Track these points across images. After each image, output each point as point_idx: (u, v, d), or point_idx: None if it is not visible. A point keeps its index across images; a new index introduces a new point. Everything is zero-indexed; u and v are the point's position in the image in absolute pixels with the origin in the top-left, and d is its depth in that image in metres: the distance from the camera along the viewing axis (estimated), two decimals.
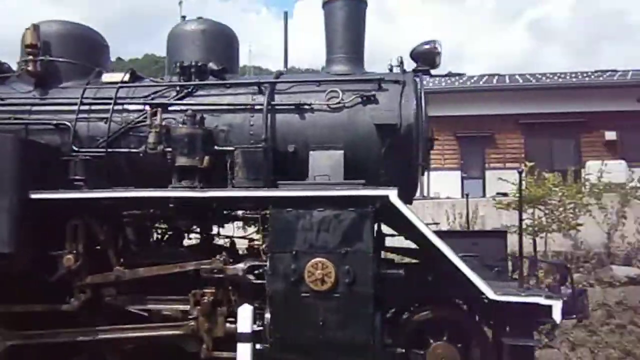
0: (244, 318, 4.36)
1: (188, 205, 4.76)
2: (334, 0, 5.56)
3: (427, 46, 5.44)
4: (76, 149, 5.11)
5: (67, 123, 5.20)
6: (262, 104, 5.05)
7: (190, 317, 4.74)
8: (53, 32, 5.61)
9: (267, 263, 4.42)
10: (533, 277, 5.10)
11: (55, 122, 5.22)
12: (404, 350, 4.57)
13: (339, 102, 5.06)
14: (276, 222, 4.40)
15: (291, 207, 4.39)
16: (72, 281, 4.78)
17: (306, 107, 5.08)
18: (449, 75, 6.16)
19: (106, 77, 5.54)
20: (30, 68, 5.37)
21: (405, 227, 4.46)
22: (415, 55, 5.47)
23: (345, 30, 5.53)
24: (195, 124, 4.89)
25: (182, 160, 4.72)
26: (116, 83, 5.41)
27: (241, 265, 4.59)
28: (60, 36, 5.62)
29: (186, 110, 5.06)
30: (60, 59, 5.53)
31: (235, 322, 4.56)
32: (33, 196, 4.59)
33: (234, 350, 4.44)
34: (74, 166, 4.88)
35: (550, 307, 4.10)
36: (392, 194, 4.30)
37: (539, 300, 4.12)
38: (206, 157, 4.78)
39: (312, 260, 4.29)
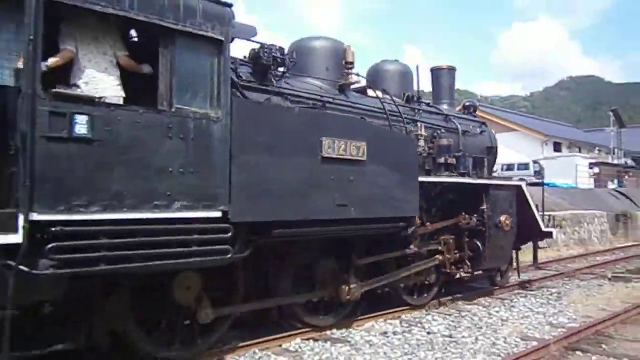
0: None
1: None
2: (440, 69, 9.64)
3: (472, 103, 10.18)
4: None
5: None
6: (456, 128, 8.79)
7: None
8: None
9: (487, 219, 8.45)
10: None
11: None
12: None
13: (476, 132, 9.32)
14: (493, 197, 8.50)
15: (497, 190, 8.59)
16: (415, 233, 7.37)
17: (465, 132, 9.09)
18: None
19: (371, 92, 7.81)
20: (352, 79, 7.22)
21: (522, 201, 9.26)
22: (466, 107, 10.09)
23: (447, 86, 9.66)
24: (447, 138, 8.23)
25: (450, 160, 8.07)
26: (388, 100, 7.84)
27: (475, 220, 8.37)
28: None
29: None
30: (357, 74, 7.47)
31: (460, 252, 8.32)
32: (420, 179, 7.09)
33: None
34: (429, 161, 7.41)
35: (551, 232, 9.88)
36: (523, 185, 9.14)
37: (552, 230, 9.85)
38: (453, 158, 8.25)
39: (504, 216, 8.64)
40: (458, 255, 8.35)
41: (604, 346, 6.36)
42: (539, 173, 22.31)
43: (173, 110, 4.67)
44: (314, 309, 6.79)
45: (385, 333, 6.76)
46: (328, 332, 6.61)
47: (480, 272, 9.26)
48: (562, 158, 34.97)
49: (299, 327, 6.58)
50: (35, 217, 3.85)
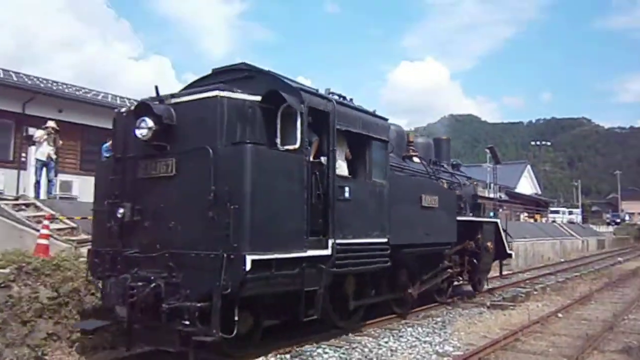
0: None
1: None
2: (440, 139, 13.99)
3: (457, 162, 14.61)
4: None
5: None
6: (459, 182, 13.07)
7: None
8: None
9: (480, 244, 12.74)
10: None
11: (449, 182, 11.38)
12: None
13: (467, 184, 13.70)
14: (484, 229, 12.87)
15: (486, 224, 12.98)
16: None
17: (463, 184, 13.41)
18: None
19: (416, 159, 11.82)
20: (411, 153, 11.24)
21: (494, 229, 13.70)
22: (454, 165, 14.47)
23: (446, 151, 14.00)
24: (457, 189, 12.47)
25: (462, 204, 12.30)
26: (425, 164, 11.90)
27: (473, 245, 12.61)
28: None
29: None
30: (413, 148, 11.48)
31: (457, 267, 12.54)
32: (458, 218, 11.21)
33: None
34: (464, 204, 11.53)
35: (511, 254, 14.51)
36: (499, 221, 13.66)
37: (512, 252, 14.47)
38: (463, 203, 12.50)
39: (489, 242, 13.03)
40: (460, 269, 12.52)
41: None
42: None
43: (371, 181, 8.40)
44: (396, 302, 10.57)
45: None
46: None
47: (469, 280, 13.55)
48: None
49: (388, 312, 10.28)
50: (342, 241, 7.42)
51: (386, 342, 8.35)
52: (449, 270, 11.81)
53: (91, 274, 7.52)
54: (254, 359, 7.14)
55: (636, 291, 15.17)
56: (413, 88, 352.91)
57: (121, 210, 6.91)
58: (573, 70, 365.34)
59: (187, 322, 6.17)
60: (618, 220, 76.95)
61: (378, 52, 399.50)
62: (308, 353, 7.54)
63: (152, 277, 6.42)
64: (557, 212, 57.72)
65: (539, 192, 70.49)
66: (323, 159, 7.56)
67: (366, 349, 7.93)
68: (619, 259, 29.63)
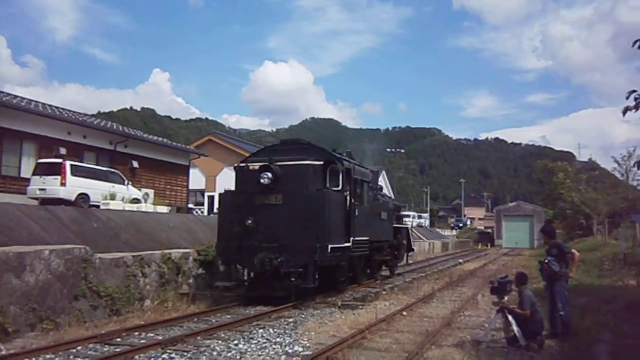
0: None
1: None
2: (374, 171, 20.99)
3: (381, 187, 21.73)
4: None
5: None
6: (386, 200, 20.13)
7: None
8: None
9: (400, 241, 19.88)
10: None
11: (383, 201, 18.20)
12: None
13: (389, 201, 20.85)
14: (402, 232, 20.05)
15: (403, 229, 20.21)
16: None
17: (388, 202, 20.48)
18: None
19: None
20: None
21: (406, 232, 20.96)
22: (380, 188, 21.62)
23: (375, 178, 21.02)
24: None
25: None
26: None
27: (395, 242, 19.68)
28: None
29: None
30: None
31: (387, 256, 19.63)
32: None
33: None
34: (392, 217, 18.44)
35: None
36: (409, 226, 21.00)
37: (414, 248, 21.87)
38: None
39: (405, 240, 20.27)
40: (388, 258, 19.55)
41: None
42: None
43: (364, 205, 14.97)
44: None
45: None
46: None
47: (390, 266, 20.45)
48: None
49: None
50: (355, 238, 13.90)
51: (236, 345, 8.31)
52: (385, 258, 18.77)
53: (220, 257, 13.23)
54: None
55: (473, 290, 16.62)
56: (276, 89, 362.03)
57: (249, 221, 12.69)
58: (426, 83, 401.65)
59: (294, 279, 12.22)
60: (461, 225, 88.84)
61: (241, 50, 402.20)
62: (153, 359, 7.43)
63: (273, 257, 12.32)
64: (407, 216, 60.76)
65: (393, 197, 78.27)
66: (347, 194, 13.95)
67: (215, 353, 7.78)
68: (460, 260, 32.29)
